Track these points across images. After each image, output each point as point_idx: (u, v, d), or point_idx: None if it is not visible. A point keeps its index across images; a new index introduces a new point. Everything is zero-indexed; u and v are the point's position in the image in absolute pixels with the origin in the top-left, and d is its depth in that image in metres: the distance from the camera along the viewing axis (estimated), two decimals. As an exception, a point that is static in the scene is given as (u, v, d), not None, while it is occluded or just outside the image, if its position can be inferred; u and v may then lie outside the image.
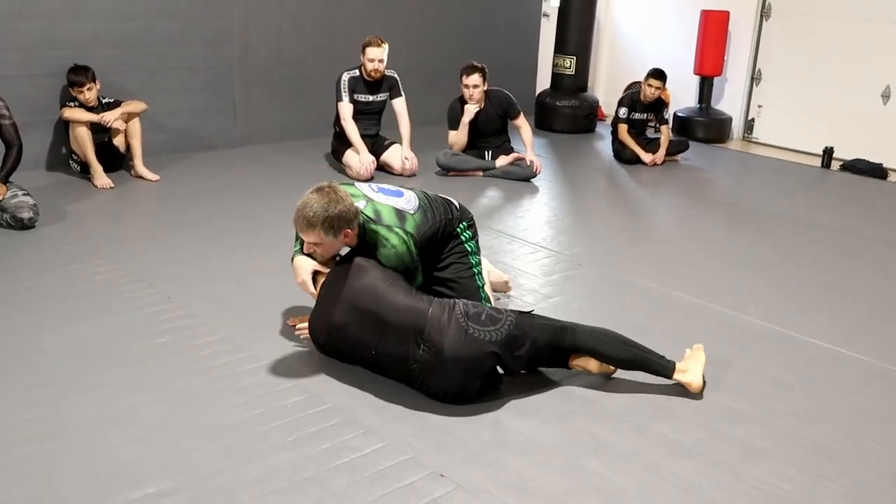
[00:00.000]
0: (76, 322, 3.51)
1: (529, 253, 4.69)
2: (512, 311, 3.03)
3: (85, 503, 2.35)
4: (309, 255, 3.21)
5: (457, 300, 3.00)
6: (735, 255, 4.83)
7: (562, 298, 4.02)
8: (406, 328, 2.89)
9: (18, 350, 3.25)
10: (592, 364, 3.09)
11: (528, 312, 3.10)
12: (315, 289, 3.17)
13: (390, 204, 3.21)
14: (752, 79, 8.32)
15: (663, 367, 3.09)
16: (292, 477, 2.51)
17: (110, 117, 5.56)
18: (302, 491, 2.45)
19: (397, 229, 3.12)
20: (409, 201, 3.28)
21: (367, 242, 3.14)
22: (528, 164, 6.29)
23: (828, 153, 7.33)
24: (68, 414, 2.81)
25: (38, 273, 4.05)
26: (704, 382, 3.10)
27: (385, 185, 3.39)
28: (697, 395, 3.08)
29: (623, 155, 7.07)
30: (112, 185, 5.56)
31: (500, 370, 3.00)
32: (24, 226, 4.62)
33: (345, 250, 3.25)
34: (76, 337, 3.37)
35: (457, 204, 3.55)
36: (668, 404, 3.03)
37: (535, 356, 3.02)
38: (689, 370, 3.10)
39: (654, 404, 3.02)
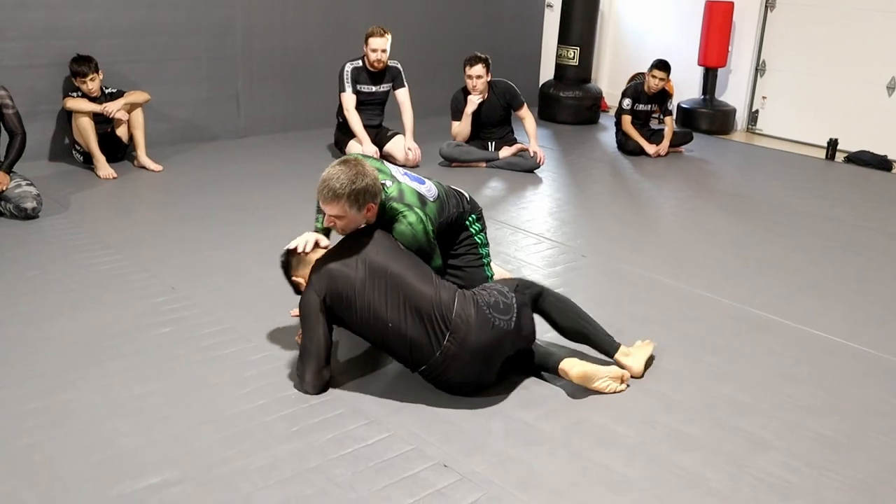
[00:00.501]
0: (79, 312, 3.51)
1: (533, 244, 4.68)
2: (508, 290, 3.01)
3: (89, 492, 2.35)
4: (326, 231, 3.22)
5: (475, 290, 2.99)
6: (739, 246, 4.82)
7: (565, 290, 4.00)
8: (429, 315, 2.83)
9: (22, 339, 3.24)
10: (574, 372, 2.99)
11: (516, 286, 3.10)
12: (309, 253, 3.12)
13: (413, 187, 3.22)
14: (757, 70, 8.29)
15: (608, 346, 3.12)
16: (296, 467, 2.51)
17: (113, 107, 5.55)
18: (306, 481, 2.44)
19: (417, 209, 3.12)
20: (429, 190, 3.30)
21: (384, 220, 3.14)
22: (532, 155, 6.28)
23: (832, 145, 7.30)
24: (72, 403, 2.80)
25: (41, 263, 4.04)
26: (643, 373, 3.14)
27: (409, 171, 3.41)
28: (637, 378, 3.12)
29: (627, 146, 7.06)
30: (115, 175, 5.55)
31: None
32: (27, 216, 4.62)
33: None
34: (79, 327, 3.36)
35: (468, 196, 3.56)
36: (674, 396, 3.03)
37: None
38: (632, 355, 3.14)
39: (661, 396, 3.02)
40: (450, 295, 2.89)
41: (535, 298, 3.11)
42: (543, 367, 3.08)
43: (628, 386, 3.06)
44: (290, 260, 3.12)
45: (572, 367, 2.97)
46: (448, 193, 3.42)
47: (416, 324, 2.83)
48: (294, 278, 3.09)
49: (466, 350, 2.82)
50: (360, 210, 2.99)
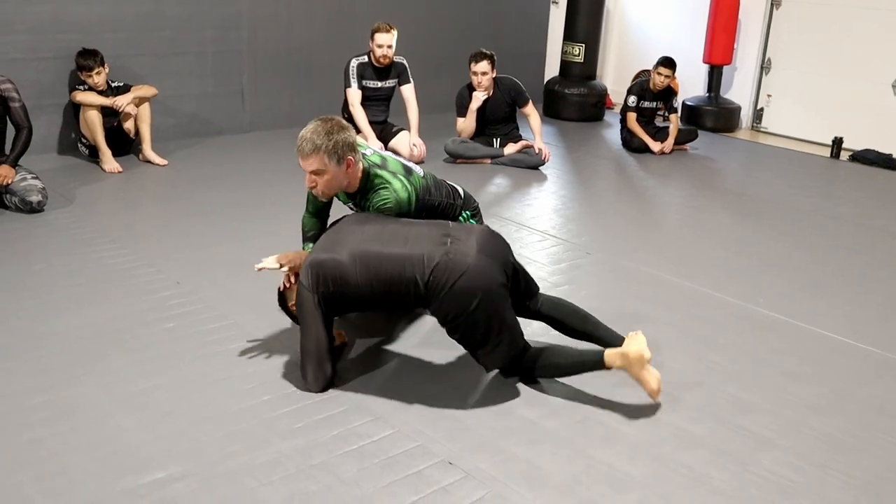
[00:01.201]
0: (84, 306, 3.51)
1: (537, 241, 4.68)
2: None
3: (93, 487, 2.36)
4: (311, 196, 3.31)
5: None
6: (744, 244, 4.81)
7: (570, 287, 4.01)
8: (432, 227, 2.93)
9: (27, 333, 3.25)
10: (633, 349, 2.89)
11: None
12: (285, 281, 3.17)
13: (399, 159, 3.24)
14: (762, 68, 8.27)
15: (614, 338, 3.06)
16: (301, 463, 2.51)
17: (123, 101, 5.55)
18: (310, 477, 2.45)
19: (402, 177, 3.14)
20: (418, 169, 3.32)
21: (366, 190, 3.15)
22: (537, 151, 6.27)
23: (837, 143, 7.28)
24: (76, 398, 2.81)
25: (46, 256, 4.05)
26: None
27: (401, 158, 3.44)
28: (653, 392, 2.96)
29: (632, 144, 7.05)
30: (120, 169, 5.56)
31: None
32: (32, 209, 4.62)
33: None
34: (84, 321, 3.37)
35: (462, 192, 3.56)
36: (678, 394, 3.03)
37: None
38: (633, 340, 2.94)
39: (665, 394, 3.01)
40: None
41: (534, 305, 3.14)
42: (582, 365, 2.96)
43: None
44: (282, 294, 3.21)
45: (628, 343, 2.88)
46: (440, 183, 3.43)
47: (425, 238, 2.87)
48: (292, 308, 3.16)
49: (471, 246, 2.82)
50: (340, 164, 3.03)
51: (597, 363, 2.90)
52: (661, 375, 2.93)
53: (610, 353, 2.88)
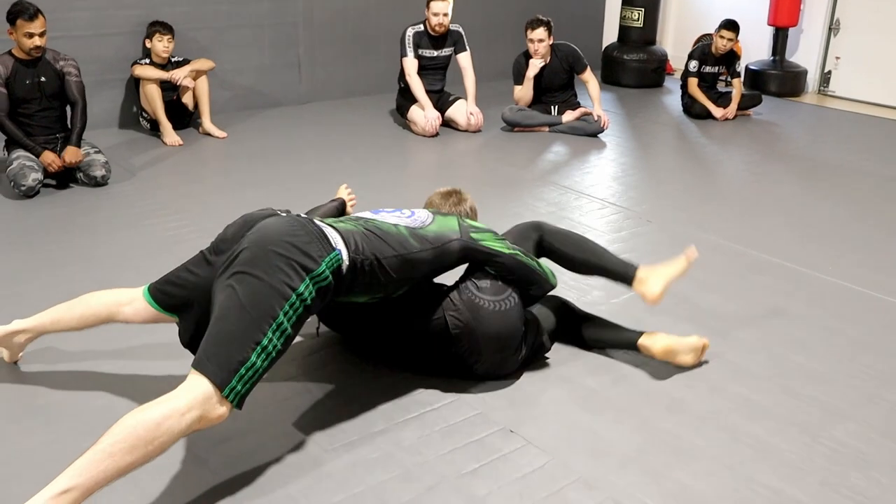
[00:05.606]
0: (149, 276, 3.52)
1: (597, 209, 4.61)
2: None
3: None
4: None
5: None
6: (810, 212, 4.68)
7: (631, 255, 3.92)
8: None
9: (95, 303, 3.31)
10: (658, 348, 2.89)
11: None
12: None
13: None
14: (830, 29, 7.99)
15: (624, 273, 2.94)
16: (362, 430, 2.52)
17: (179, 75, 5.61)
18: (373, 444, 2.46)
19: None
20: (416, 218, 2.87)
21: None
22: (595, 119, 6.17)
23: (910, 106, 7.03)
24: (145, 367, 2.86)
25: (112, 229, 4.13)
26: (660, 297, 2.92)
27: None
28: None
29: (693, 109, 6.89)
30: (181, 142, 5.63)
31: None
32: (97, 183, 4.71)
33: None
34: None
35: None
36: (744, 364, 2.96)
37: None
38: (649, 279, 2.91)
39: (730, 364, 2.95)
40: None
41: (538, 242, 2.98)
42: (617, 344, 2.99)
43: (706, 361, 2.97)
44: None
45: (654, 342, 2.86)
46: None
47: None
48: None
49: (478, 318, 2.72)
50: None
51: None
52: (725, 344, 2.86)
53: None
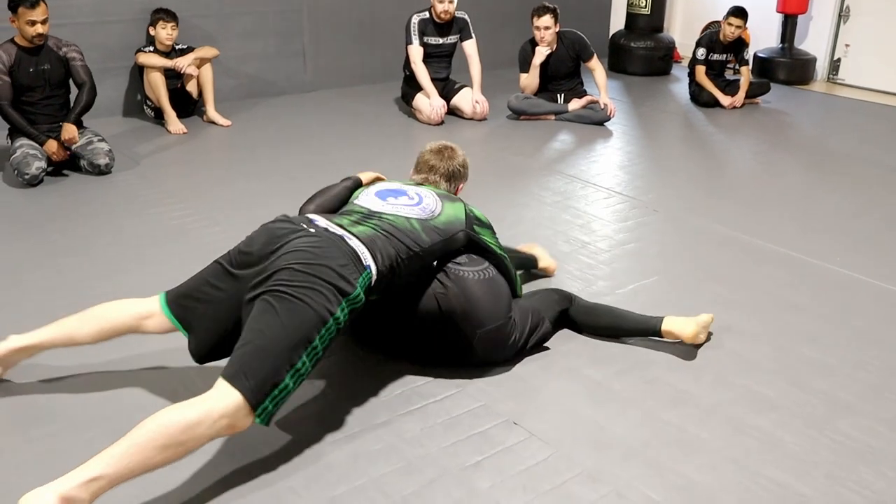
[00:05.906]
0: (154, 264, 3.56)
1: (603, 198, 4.58)
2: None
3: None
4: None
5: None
6: (818, 202, 4.64)
7: (637, 245, 3.92)
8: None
9: (97, 292, 3.29)
10: (688, 333, 2.91)
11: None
12: None
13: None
14: (840, 16, 7.92)
15: (648, 325, 2.97)
16: (364, 422, 2.51)
17: (183, 62, 5.59)
18: (375, 436, 2.44)
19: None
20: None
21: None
22: (602, 107, 6.13)
23: (919, 95, 6.97)
24: (148, 356, 2.85)
25: (115, 218, 4.12)
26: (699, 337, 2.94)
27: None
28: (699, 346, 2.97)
29: (701, 98, 6.84)
30: (185, 130, 5.61)
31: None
32: (100, 171, 4.70)
33: None
34: (152, 280, 3.40)
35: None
36: (750, 355, 2.94)
37: None
38: (680, 323, 2.94)
39: (735, 356, 2.93)
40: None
41: (564, 311, 3.02)
42: (636, 331, 2.99)
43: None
44: None
45: (682, 328, 2.90)
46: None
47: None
48: None
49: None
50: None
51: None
52: (731, 336, 2.85)
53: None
